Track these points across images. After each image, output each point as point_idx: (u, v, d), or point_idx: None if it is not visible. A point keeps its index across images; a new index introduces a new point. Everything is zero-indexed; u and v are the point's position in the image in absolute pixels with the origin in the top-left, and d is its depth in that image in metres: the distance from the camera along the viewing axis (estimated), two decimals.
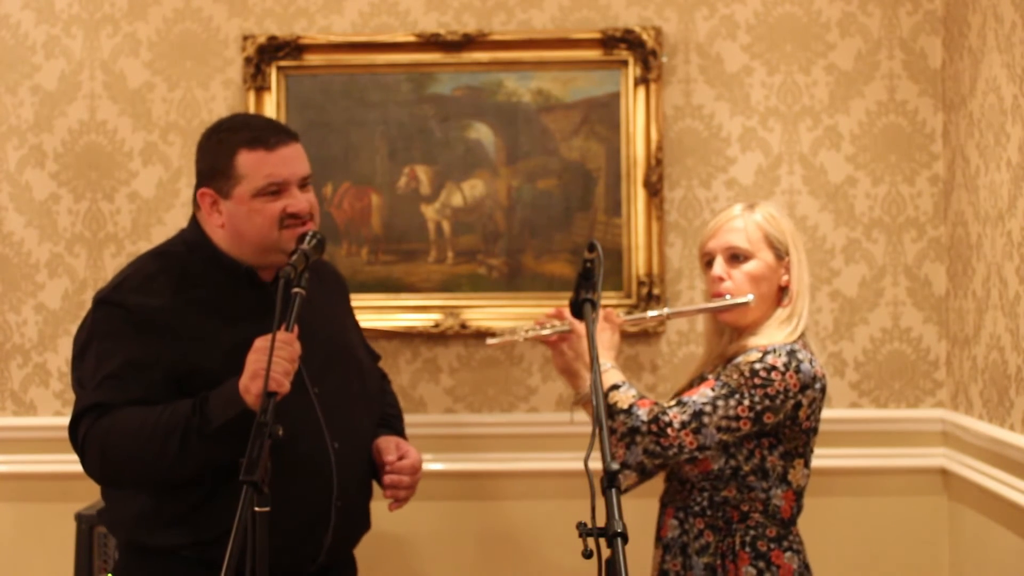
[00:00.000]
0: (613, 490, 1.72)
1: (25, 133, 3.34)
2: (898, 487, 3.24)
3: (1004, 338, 2.78)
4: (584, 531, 1.68)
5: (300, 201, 2.17)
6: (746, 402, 2.22)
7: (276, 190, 2.16)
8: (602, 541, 1.67)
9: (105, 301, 2.15)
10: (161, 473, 2.07)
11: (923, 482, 3.24)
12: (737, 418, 2.22)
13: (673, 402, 2.26)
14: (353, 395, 2.27)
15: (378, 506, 2.32)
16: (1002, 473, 2.81)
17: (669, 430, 2.21)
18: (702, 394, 2.24)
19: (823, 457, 3.16)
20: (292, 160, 2.19)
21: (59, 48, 3.34)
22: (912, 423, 3.25)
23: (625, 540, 1.65)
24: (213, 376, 2.04)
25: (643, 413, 2.23)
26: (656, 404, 2.26)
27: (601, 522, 1.68)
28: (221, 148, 2.17)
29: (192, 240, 2.24)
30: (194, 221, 2.26)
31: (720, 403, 2.22)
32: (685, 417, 2.21)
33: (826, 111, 3.26)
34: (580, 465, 1.80)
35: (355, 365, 2.34)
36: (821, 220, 3.26)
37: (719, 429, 2.22)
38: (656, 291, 3.22)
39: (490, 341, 2.56)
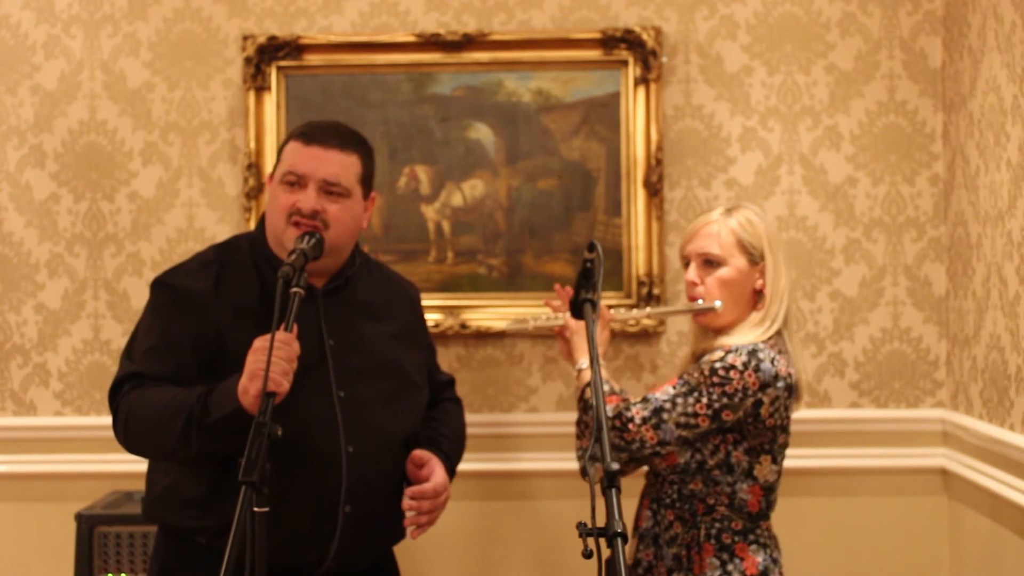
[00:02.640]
0: (613, 490, 1.72)
1: (25, 133, 3.34)
2: (898, 487, 3.24)
3: (1004, 338, 2.78)
4: (584, 531, 1.68)
5: (309, 199, 2.18)
6: (704, 400, 2.27)
7: (294, 181, 2.20)
8: (602, 541, 1.67)
9: (158, 282, 2.29)
10: (166, 452, 2.16)
11: (923, 482, 3.24)
12: (695, 415, 2.27)
13: (638, 399, 2.32)
14: (383, 404, 2.26)
15: None
16: (1002, 473, 2.81)
17: (631, 425, 2.27)
18: (664, 391, 2.30)
19: (823, 457, 3.19)
20: (320, 160, 2.21)
21: (59, 48, 3.34)
22: (912, 423, 3.25)
23: (625, 540, 1.66)
24: (238, 365, 2.05)
25: (609, 410, 2.29)
26: (623, 400, 2.32)
27: (601, 522, 1.69)
28: (286, 137, 2.32)
29: (255, 235, 2.33)
30: (263, 217, 2.34)
31: (679, 400, 2.28)
32: (646, 413, 2.28)
33: (826, 111, 3.26)
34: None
35: (396, 378, 2.32)
36: (821, 220, 3.26)
37: (678, 425, 2.27)
38: (656, 291, 3.22)
39: (507, 327, 2.75)
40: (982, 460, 2.95)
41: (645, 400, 2.30)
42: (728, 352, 2.30)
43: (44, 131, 3.34)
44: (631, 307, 3.23)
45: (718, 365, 2.28)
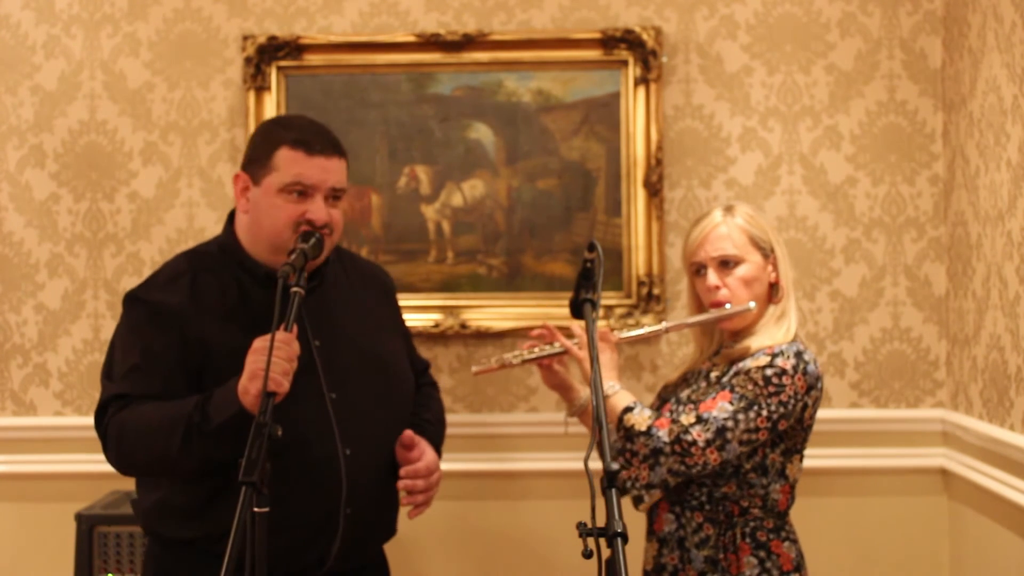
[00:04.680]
0: (613, 490, 1.72)
1: (25, 133, 3.34)
2: (898, 487, 3.24)
3: (1004, 338, 2.78)
4: (584, 531, 1.68)
5: (321, 210, 2.18)
6: (764, 412, 2.23)
7: (302, 191, 2.18)
8: (602, 541, 1.67)
9: (131, 297, 2.24)
10: (167, 467, 2.11)
11: (923, 482, 3.24)
12: (757, 430, 2.23)
13: (692, 419, 2.24)
14: (375, 401, 2.25)
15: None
16: (1002, 473, 2.81)
17: (694, 449, 2.21)
18: (721, 408, 2.23)
19: (823, 457, 3.18)
20: (328, 170, 2.20)
21: (59, 48, 3.34)
22: (912, 423, 3.25)
23: (625, 540, 1.66)
24: (226, 374, 2.05)
25: (664, 434, 2.24)
26: (674, 423, 2.26)
27: (601, 522, 1.69)
28: (268, 137, 2.24)
29: (224, 241, 2.29)
30: (229, 222, 2.30)
31: (741, 416, 2.23)
32: (709, 435, 2.22)
33: (826, 111, 3.26)
34: (580, 465, 1.80)
35: (383, 371, 2.31)
36: (821, 220, 3.26)
37: (741, 443, 2.23)
38: (656, 291, 3.22)
39: (474, 369, 2.55)
40: (982, 460, 2.95)
41: (702, 420, 2.22)
42: (775, 356, 2.27)
43: (44, 131, 3.34)
44: (630, 309, 3.23)
45: (770, 372, 2.24)
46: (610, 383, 2.35)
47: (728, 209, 2.41)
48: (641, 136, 3.23)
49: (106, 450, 2.17)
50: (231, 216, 2.31)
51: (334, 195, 2.21)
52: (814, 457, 3.14)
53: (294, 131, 2.23)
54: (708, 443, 2.21)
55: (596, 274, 2.20)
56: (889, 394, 3.26)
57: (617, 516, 1.68)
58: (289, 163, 2.18)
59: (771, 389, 2.23)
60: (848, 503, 3.24)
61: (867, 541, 3.24)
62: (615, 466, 1.74)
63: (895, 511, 3.24)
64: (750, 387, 2.24)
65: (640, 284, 3.24)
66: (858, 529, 3.25)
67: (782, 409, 2.24)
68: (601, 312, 2.32)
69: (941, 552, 3.23)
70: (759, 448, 2.28)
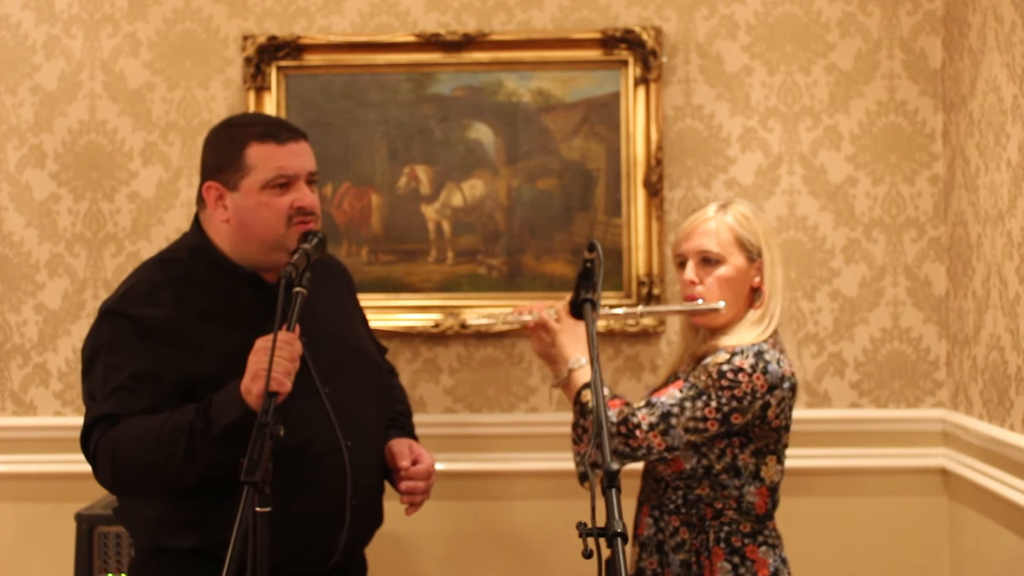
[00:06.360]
0: (613, 490, 1.72)
1: (25, 133, 3.34)
2: (898, 487, 3.24)
3: (1004, 338, 2.78)
4: (584, 531, 1.68)
5: (308, 195, 2.17)
6: (713, 403, 2.22)
7: (285, 183, 2.16)
8: (602, 541, 1.68)
9: (111, 312, 2.15)
10: (170, 478, 2.07)
11: (923, 482, 3.24)
12: (704, 419, 2.22)
13: (642, 403, 2.26)
14: (364, 392, 2.27)
15: (389, 505, 2.32)
16: (1002, 473, 2.81)
17: (638, 432, 2.22)
18: (670, 395, 2.25)
19: (823, 457, 3.19)
20: (302, 155, 2.20)
21: (59, 48, 3.34)
22: (912, 423, 3.25)
23: (625, 540, 1.66)
24: (220, 382, 2.03)
25: (612, 414, 2.24)
26: (626, 404, 2.28)
27: (601, 522, 1.69)
28: (231, 141, 2.17)
29: (195, 245, 2.23)
30: (196, 225, 2.25)
31: (687, 404, 2.22)
32: (653, 419, 2.22)
33: (826, 111, 3.26)
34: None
35: (365, 361, 2.33)
36: (821, 220, 3.26)
37: (687, 430, 2.22)
38: (656, 291, 3.22)
39: (471, 322, 2.63)
40: (982, 460, 2.95)
41: (650, 404, 2.24)
42: (734, 354, 2.25)
43: (44, 131, 3.34)
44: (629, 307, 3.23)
45: (726, 368, 2.23)
46: (576, 356, 2.34)
47: (723, 206, 2.38)
48: (641, 136, 3.23)
49: (97, 471, 2.12)
50: (196, 220, 2.25)
51: (311, 179, 2.21)
52: (814, 457, 3.17)
53: (256, 126, 2.20)
54: (652, 426, 2.21)
55: (596, 274, 2.20)
56: (889, 394, 3.26)
57: (617, 516, 1.68)
58: (264, 158, 2.15)
59: (724, 383, 2.22)
60: (848, 503, 3.24)
61: (867, 541, 3.24)
62: (615, 466, 1.74)
63: (895, 511, 3.24)
64: (703, 378, 2.24)
65: (640, 284, 3.24)
66: (858, 529, 3.25)
67: (735, 403, 2.22)
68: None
69: (941, 552, 3.23)
70: (727, 448, 2.27)
